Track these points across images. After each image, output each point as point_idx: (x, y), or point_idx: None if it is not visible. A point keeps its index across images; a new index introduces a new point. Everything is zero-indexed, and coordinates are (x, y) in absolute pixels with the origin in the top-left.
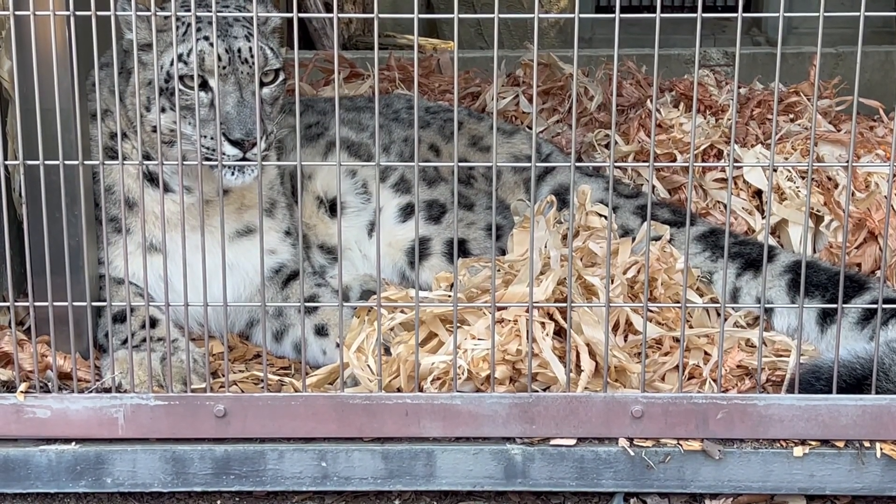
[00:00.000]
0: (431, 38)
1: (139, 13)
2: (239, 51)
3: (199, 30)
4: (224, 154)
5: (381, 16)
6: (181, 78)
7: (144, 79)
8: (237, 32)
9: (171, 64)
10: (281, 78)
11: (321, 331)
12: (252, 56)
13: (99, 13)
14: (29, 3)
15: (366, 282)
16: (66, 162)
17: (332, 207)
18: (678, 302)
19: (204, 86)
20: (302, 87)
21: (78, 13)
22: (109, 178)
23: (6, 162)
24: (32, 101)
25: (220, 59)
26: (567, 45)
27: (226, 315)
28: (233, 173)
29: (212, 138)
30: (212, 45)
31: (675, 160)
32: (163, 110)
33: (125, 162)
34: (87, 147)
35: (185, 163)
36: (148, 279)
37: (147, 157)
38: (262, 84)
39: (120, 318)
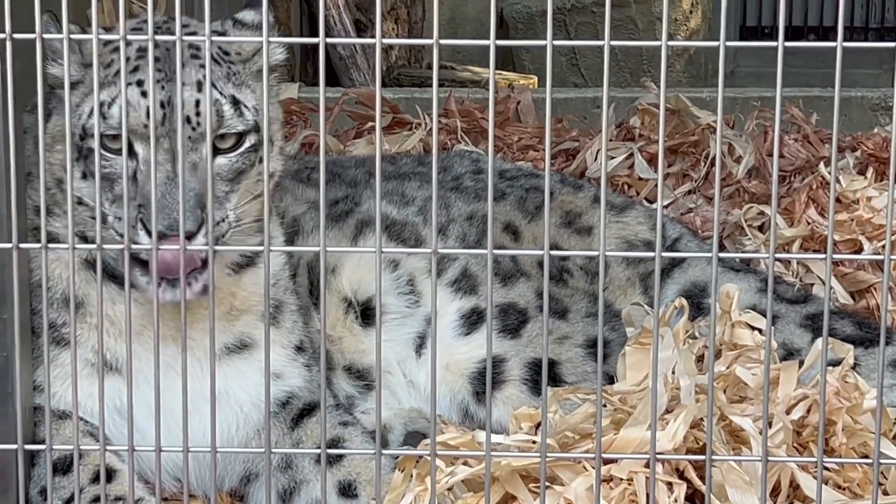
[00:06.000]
0: (506, 72)
1: (74, 35)
2: (182, 106)
3: (135, 70)
4: (138, 245)
5: (443, 41)
6: (102, 136)
7: (71, 129)
8: (188, 77)
9: (90, 115)
10: (248, 144)
11: (348, 490)
12: (199, 115)
13: (17, 36)
14: None
15: (412, 420)
16: None
17: (364, 313)
18: (867, 456)
19: (131, 150)
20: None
21: (17, 36)
22: (42, 268)
23: None
24: None
25: (148, 115)
26: (698, 82)
27: (214, 466)
28: (159, 283)
29: (120, 218)
30: (144, 94)
31: (861, 250)
32: (84, 177)
33: (51, 245)
34: (24, 225)
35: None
36: (103, 412)
37: (84, 238)
38: (215, 151)
39: (62, 467)
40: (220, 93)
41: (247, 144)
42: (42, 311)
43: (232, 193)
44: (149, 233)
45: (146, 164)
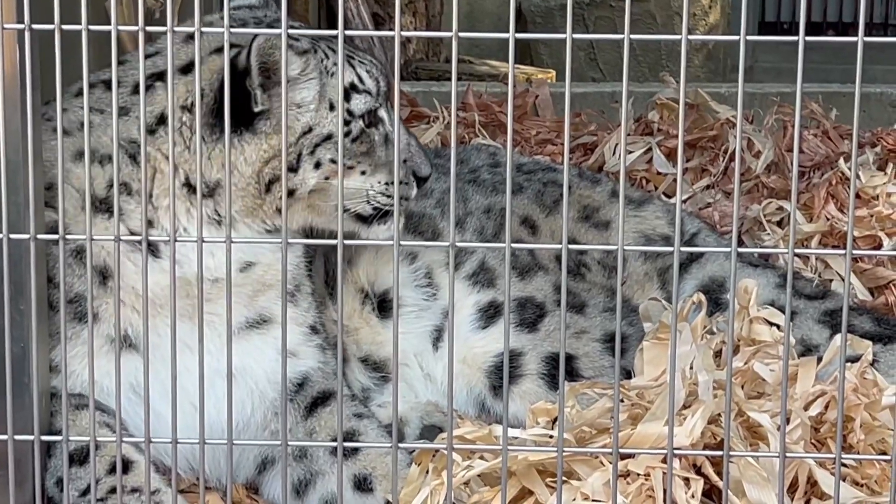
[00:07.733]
0: (523, 66)
1: (93, 27)
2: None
3: (324, 55)
4: (408, 200)
5: (462, 34)
6: (359, 115)
7: (297, 128)
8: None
9: (349, 97)
10: None
11: (363, 484)
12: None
13: (35, 26)
14: None
15: (429, 413)
16: (13, 235)
17: (381, 305)
18: (885, 453)
19: (373, 121)
20: None
21: (36, 27)
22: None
23: None
24: None
25: (378, 81)
26: (716, 77)
27: (230, 457)
28: (385, 221)
29: (388, 183)
30: (363, 63)
31: (880, 246)
32: (317, 166)
33: (69, 236)
34: (42, 218)
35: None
36: (119, 400)
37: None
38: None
39: (79, 458)
40: None
41: None
42: (71, 283)
43: None
44: (418, 179)
45: (393, 127)
